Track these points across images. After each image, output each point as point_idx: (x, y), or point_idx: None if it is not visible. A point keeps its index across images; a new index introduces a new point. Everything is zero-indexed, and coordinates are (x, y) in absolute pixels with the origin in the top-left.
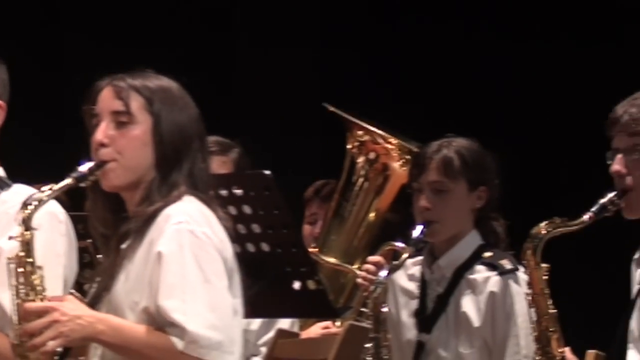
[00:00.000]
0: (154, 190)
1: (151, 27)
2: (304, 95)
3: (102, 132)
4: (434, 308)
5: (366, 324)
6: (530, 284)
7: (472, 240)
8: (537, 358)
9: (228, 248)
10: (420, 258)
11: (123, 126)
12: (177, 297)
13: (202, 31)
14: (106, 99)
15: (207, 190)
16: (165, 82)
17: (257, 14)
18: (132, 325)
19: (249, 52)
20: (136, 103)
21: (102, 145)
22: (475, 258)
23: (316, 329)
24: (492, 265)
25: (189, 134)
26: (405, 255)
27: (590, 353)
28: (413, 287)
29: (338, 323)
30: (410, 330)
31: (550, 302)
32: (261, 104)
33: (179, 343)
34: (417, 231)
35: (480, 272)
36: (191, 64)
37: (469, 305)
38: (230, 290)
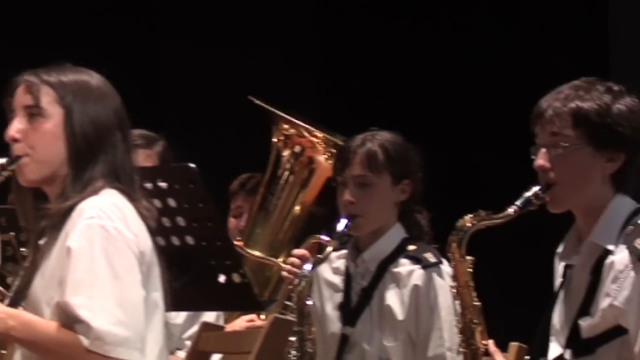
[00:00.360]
0: (68, 184)
1: (75, 23)
2: (230, 89)
3: (14, 127)
4: (358, 301)
5: (290, 317)
6: (454, 277)
7: (396, 233)
8: (461, 350)
9: (144, 242)
10: (344, 251)
11: (35, 121)
12: (84, 293)
13: (126, 24)
14: (19, 94)
15: (130, 182)
16: (82, 75)
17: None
18: (42, 322)
19: (173, 44)
20: (47, 97)
21: (15, 140)
22: (399, 251)
23: (241, 322)
24: (415, 259)
25: (106, 126)
26: (329, 249)
27: (513, 345)
28: (338, 280)
29: (263, 316)
30: (334, 323)
31: (474, 294)
32: (187, 98)
33: (84, 340)
34: (341, 225)
35: (404, 266)
36: (115, 57)
37: (393, 299)
38: (147, 285)
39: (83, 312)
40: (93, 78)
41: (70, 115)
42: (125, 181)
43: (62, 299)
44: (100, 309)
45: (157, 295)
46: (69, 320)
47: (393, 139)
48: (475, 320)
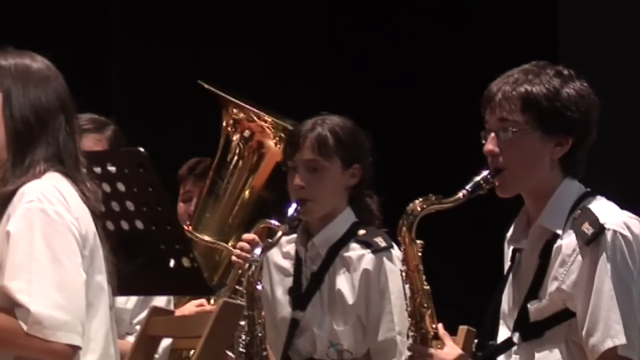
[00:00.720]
0: (9, 169)
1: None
2: (180, 73)
3: None
4: (308, 286)
5: (240, 302)
6: (404, 261)
7: (347, 218)
8: (410, 334)
9: (87, 225)
10: (295, 236)
11: None
12: (23, 277)
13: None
14: None
15: (74, 165)
16: (24, 59)
17: None
18: None
19: (125, 28)
20: None
21: None
22: (349, 236)
23: (190, 307)
24: (366, 243)
25: (47, 109)
26: (280, 233)
27: (462, 329)
28: (288, 265)
29: (212, 301)
30: (284, 307)
31: (424, 278)
32: (138, 83)
33: (23, 325)
34: (291, 209)
35: (354, 250)
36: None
37: (343, 283)
38: (90, 269)
39: (22, 297)
40: (35, 62)
41: (9, 99)
42: (69, 164)
43: (2, 283)
44: (39, 293)
45: (102, 279)
46: (8, 304)
47: (343, 123)
48: (424, 304)
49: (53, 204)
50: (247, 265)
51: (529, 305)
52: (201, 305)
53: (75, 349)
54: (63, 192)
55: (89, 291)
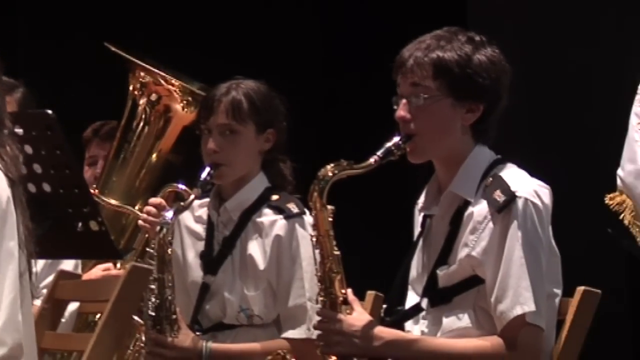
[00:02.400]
0: None
1: None
2: (88, 35)
3: None
4: (220, 250)
5: (148, 266)
6: (315, 226)
7: (260, 183)
8: (320, 299)
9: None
10: (207, 200)
11: None
12: None
13: None
14: None
15: None
16: None
17: None
18: None
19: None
20: None
21: None
22: (262, 201)
23: (97, 271)
24: (278, 209)
25: None
26: (192, 197)
27: (371, 294)
28: (200, 229)
29: (119, 265)
30: (195, 271)
31: (334, 243)
32: (46, 45)
33: None
34: (204, 173)
35: (267, 216)
36: None
37: (255, 248)
38: (2, 233)
39: None
40: None
41: None
42: None
43: None
44: None
45: (13, 245)
46: None
47: (258, 87)
48: (334, 269)
49: None
50: (158, 227)
51: (438, 271)
52: (107, 269)
53: None
54: None
55: None
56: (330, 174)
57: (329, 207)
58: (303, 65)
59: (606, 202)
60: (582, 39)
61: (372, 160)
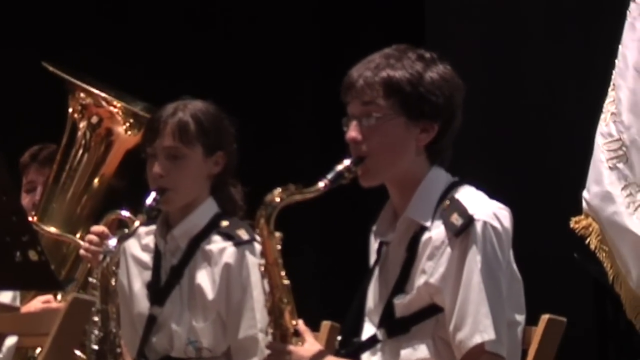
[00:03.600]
0: None
1: None
2: (25, 54)
3: None
4: (167, 280)
5: (91, 297)
6: (263, 254)
7: (209, 208)
8: (270, 331)
9: None
10: (154, 227)
11: None
12: None
13: None
14: None
15: None
16: None
17: None
18: None
19: None
20: None
21: None
22: (211, 227)
23: (37, 303)
24: (228, 235)
25: None
26: (137, 224)
27: (325, 324)
28: (147, 257)
29: (59, 297)
30: (142, 302)
31: (283, 272)
32: None
33: None
34: (150, 198)
35: (216, 243)
36: None
37: (204, 278)
38: None
39: None
40: None
41: None
42: None
43: None
44: None
45: None
46: None
47: (206, 108)
48: (284, 300)
49: None
50: (100, 257)
51: (395, 300)
52: (47, 301)
53: None
54: None
55: None
56: (277, 199)
57: (277, 233)
58: (251, 88)
59: (572, 225)
60: (545, 50)
61: (321, 184)
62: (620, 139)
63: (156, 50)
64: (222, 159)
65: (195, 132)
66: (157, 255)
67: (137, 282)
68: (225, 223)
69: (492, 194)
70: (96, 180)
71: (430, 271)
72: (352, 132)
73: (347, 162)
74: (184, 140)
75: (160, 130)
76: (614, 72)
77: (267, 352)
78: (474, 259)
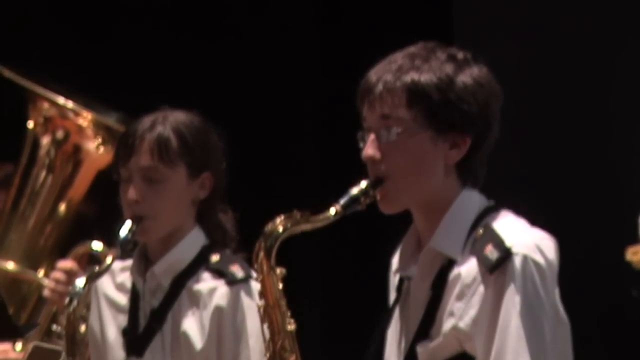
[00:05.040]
0: None
1: None
2: None
3: None
4: (147, 326)
5: (56, 346)
6: (262, 294)
7: (195, 239)
8: None
9: None
10: (130, 262)
11: None
12: None
13: None
14: None
15: None
16: None
17: None
18: None
19: None
20: None
21: None
22: (199, 263)
23: None
24: (219, 272)
25: None
26: (110, 259)
27: None
28: (122, 298)
29: (19, 345)
30: (117, 352)
31: (288, 314)
32: None
33: None
34: (124, 229)
35: (205, 281)
36: None
37: (191, 323)
38: None
39: None
40: None
41: None
42: None
43: None
44: None
45: None
46: None
47: (190, 121)
48: (287, 348)
49: None
50: (67, 299)
51: (417, 347)
52: (4, 352)
53: None
54: None
55: None
56: (280, 229)
57: (279, 269)
58: (249, 100)
59: (628, 257)
60: (601, 50)
61: (332, 211)
62: None
63: (133, 55)
64: (210, 181)
65: (177, 150)
66: (135, 295)
67: (112, 328)
68: (215, 257)
69: (534, 222)
70: (62, 206)
71: (459, 313)
72: (369, 149)
73: (363, 184)
74: (164, 159)
75: (136, 147)
76: None
77: None
78: (512, 301)
